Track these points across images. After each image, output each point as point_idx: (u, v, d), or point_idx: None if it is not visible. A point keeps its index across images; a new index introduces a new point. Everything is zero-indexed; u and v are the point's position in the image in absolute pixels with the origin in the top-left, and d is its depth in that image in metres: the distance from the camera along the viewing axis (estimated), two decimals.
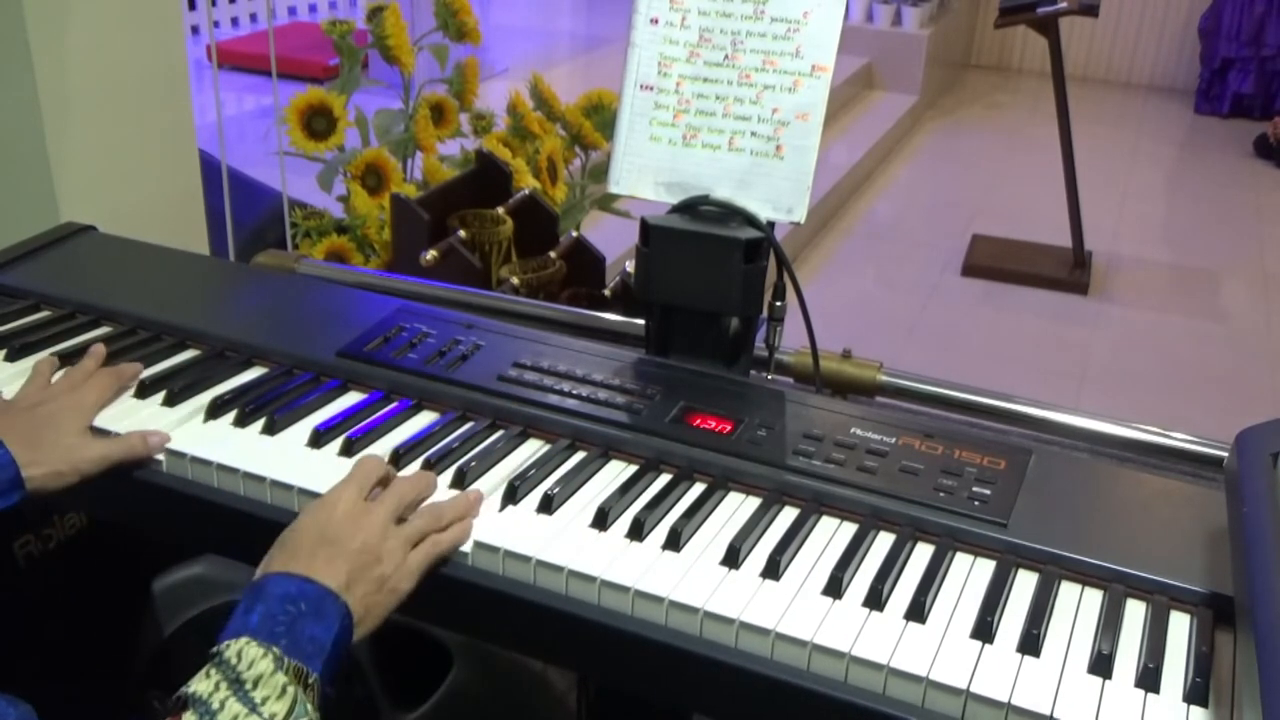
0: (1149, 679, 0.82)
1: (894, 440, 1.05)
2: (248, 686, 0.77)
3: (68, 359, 1.16)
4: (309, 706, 0.78)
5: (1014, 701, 0.79)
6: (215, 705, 0.75)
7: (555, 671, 1.50)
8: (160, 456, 1.04)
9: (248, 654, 0.78)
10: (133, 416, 1.09)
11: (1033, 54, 6.78)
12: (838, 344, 1.32)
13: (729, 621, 0.86)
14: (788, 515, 0.98)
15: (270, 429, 1.07)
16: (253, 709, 0.76)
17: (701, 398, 1.11)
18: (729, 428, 1.06)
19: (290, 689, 0.78)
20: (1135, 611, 0.89)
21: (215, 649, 0.80)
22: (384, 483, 0.96)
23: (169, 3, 2.02)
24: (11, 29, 1.77)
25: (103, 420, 1.07)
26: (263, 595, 0.83)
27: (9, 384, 1.13)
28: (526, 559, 0.92)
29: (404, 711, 1.44)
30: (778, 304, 1.22)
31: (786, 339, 1.25)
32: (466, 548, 0.94)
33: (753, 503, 1.00)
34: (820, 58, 1.15)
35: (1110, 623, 0.87)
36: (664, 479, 1.03)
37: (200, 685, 0.77)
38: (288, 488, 1.00)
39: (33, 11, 1.77)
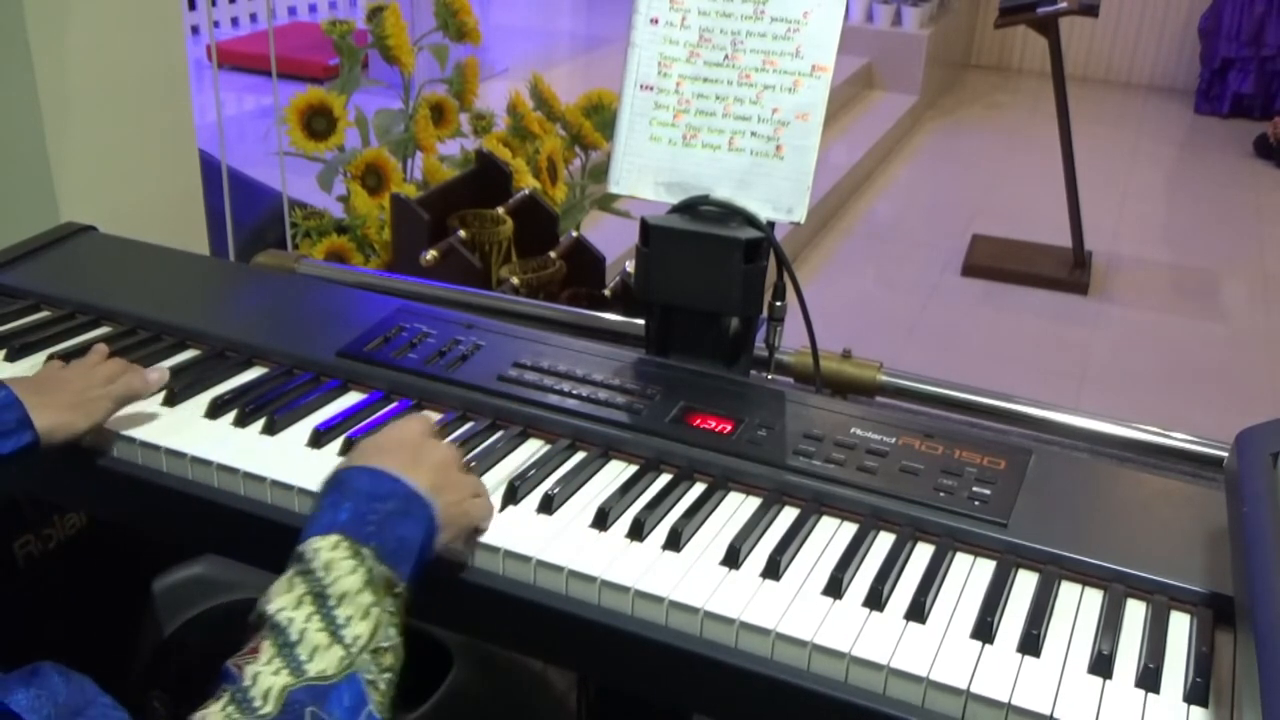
0: (1149, 679, 0.82)
1: (894, 440, 1.05)
2: (332, 603, 0.74)
3: (69, 359, 1.16)
4: (393, 630, 0.76)
5: (1014, 702, 0.79)
6: (295, 635, 0.72)
7: (555, 671, 1.49)
8: (160, 457, 1.04)
9: (337, 564, 0.76)
10: (132, 416, 1.08)
11: (1033, 54, 6.78)
12: (838, 344, 1.32)
13: (729, 621, 0.86)
14: (788, 515, 0.98)
15: (270, 429, 1.07)
16: (335, 633, 0.73)
17: (701, 398, 1.11)
18: (729, 428, 1.06)
19: (374, 610, 0.75)
20: (1135, 611, 0.89)
21: (301, 549, 0.77)
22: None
23: (169, 3, 2.02)
24: (11, 29, 1.77)
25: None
26: (349, 490, 0.81)
27: None
28: (526, 559, 0.92)
29: (404, 711, 1.44)
30: (778, 304, 1.22)
31: (786, 339, 1.25)
32: (467, 547, 0.94)
33: (753, 503, 1.00)
34: (820, 58, 1.15)
35: (1110, 623, 0.87)
36: (664, 479, 1.03)
37: (283, 600, 0.74)
38: (288, 488, 1.00)
39: (33, 11, 1.77)
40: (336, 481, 0.83)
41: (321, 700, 0.70)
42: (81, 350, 1.18)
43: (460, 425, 1.09)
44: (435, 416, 0.98)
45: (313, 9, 5.78)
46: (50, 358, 1.16)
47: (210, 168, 2.27)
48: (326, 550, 0.76)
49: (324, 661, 0.71)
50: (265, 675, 0.70)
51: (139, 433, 1.06)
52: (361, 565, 0.76)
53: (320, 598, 0.74)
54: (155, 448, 1.05)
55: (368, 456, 0.86)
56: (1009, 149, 5.59)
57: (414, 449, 0.89)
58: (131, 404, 1.08)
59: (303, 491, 0.99)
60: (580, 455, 1.06)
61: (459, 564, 0.94)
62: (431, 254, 1.99)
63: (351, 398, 1.14)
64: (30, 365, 1.17)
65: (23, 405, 0.97)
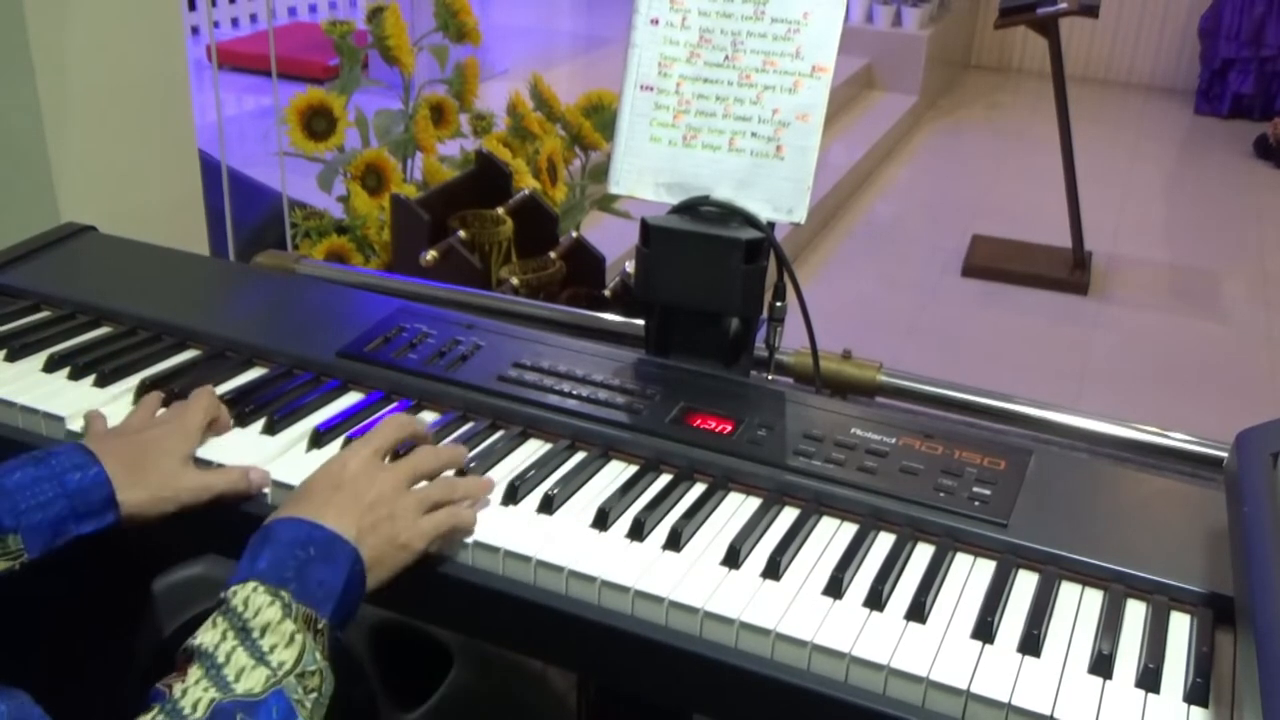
0: (1149, 679, 0.82)
1: (894, 440, 1.05)
2: (255, 635, 0.75)
3: (69, 359, 1.16)
4: (318, 655, 0.77)
5: (1014, 702, 0.79)
6: (221, 658, 0.74)
7: (555, 671, 1.49)
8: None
9: (255, 600, 0.77)
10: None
11: (1033, 54, 6.78)
12: (838, 344, 1.32)
13: (729, 621, 0.86)
14: (788, 515, 0.98)
15: (270, 429, 1.07)
16: (260, 658, 0.74)
17: (701, 398, 1.11)
18: (729, 428, 1.06)
19: (299, 636, 0.76)
20: (1135, 611, 0.89)
21: (222, 595, 0.78)
22: (414, 441, 0.97)
23: (169, 3, 2.02)
24: (11, 29, 1.77)
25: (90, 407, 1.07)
26: (270, 540, 0.82)
27: (9, 384, 1.13)
28: (527, 559, 0.92)
29: (404, 711, 1.44)
30: (778, 304, 1.22)
31: (786, 339, 1.25)
32: (467, 546, 0.94)
33: (753, 503, 1.00)
34: (820, 58, 1.15)
35: (1110, 623, 0.87)
36: (664, 479, 1.03)
37: (206, 636, 0.76)
38: (288, 488, 0.99)
39: (33, 12, 1.77)
40: (262, 533, 0.84)
41: (250, 713, 0.72)
42: (82, 350, 1.18)
43: (460, 425, 1.09)
44: (390, 436, 0.95)
45: (313, 9, 5.77)
46: (143, 386, 1.11)
47: (210, 168, 2.26)
48: (244, 591, 0.78)
49: (250, 681, 0.74)
50: (194, 690, 0.72)
51: None
52: (278, 600, 0.78)
53: (243, 631, 0.76)
54: None
55: (298, 503, 0.87)
56: (1009, 149, 5.59)
57: (349, 488, 0.88)
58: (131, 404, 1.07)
59: None
60: (580, 455, 1.06)
61: (459, 564, 0.94)
62: (431, 254, 1.99)
63: (351, 398, 1.14)
64: (29, 366, 1.17)
65: (111, 485, 0.93)
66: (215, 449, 1.04)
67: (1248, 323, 3.95)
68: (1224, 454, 1.08)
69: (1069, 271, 4.12)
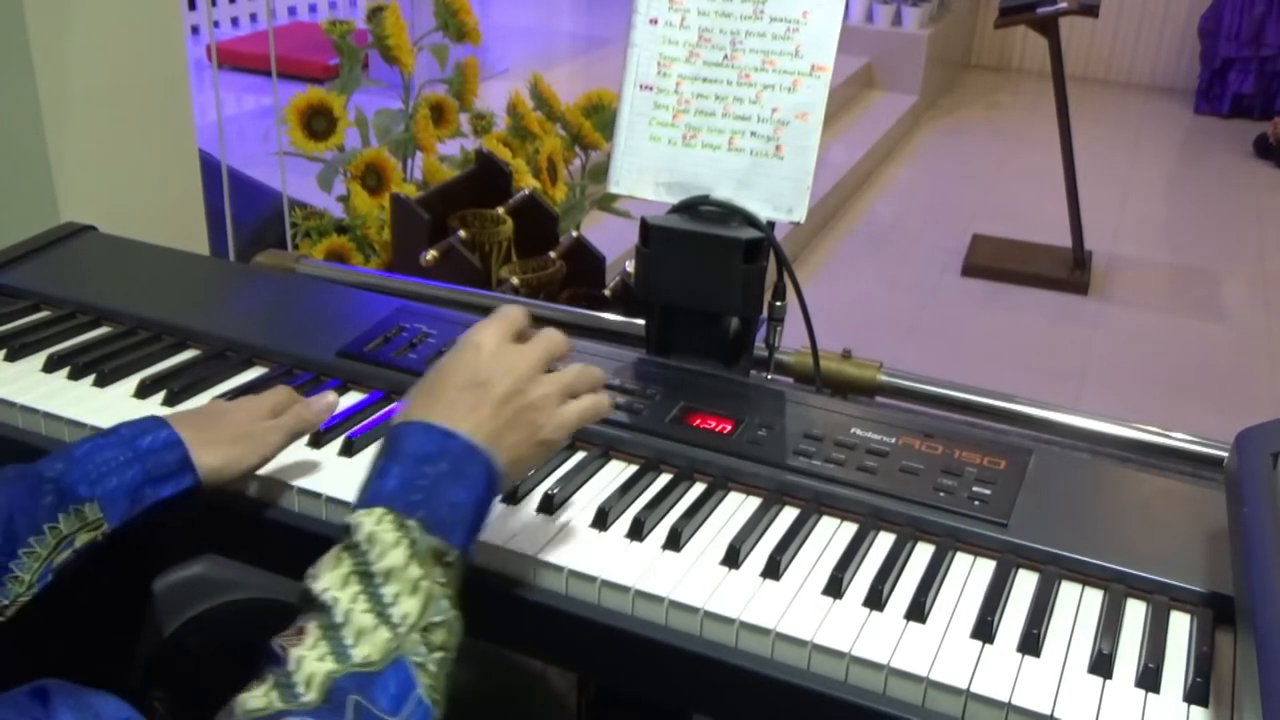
0: (1149, 679, 0.82)
1: (894, 440, 1.05)
2: (378, 580, 0.71)
3: (69, 359, 1.16)
4: (445, 602, 0.73)
5: (1014, 701, 0.79)
6: (340, 616, 0.70)
7: (555, 671, 1.49)
8: None
9: (381, 536, 0.73)
10: (133, 415, 1.08)
11: (1033, 54, 6.78)
12: (838, 344, 1.32)
13: (729, 621, 0.86)
14: (788, 515, 0.98)
15: None
16: (382, 614, 0.70)
17: (701, 398, 1.11)
18: (729, 428, 1.06)
19: (423, 585, 0.72)
20: (1135, 611, 0.89)
21: (348, 521, 0.74)
22: (522, 336, 0.89)
23: (169, 3, 2.02)
24: (11, 29, 1.77)
25: (90, 415, 1.07)
26: (399, 454, 0.77)
27: (9, 384, 1.13)
28: (526, 558, 0.92)
29: None
30: (778, 304, 1.22)
31: (786, 339, 1.25)
32: None
33: (753, 503, 1.00)
34: (820, 58, 1.15)
35: (1110, 623, 0.87)
36: (664, 479, 1.03)
37: (330, 577, 0.72)
38: (289, 487, 0.99)
39: (33, 11, 1.77)
40: (389, 440, 0.79)
41: (366, 689, 0.68)
42: (82, 350, 1.18)
43: None
44: (518, 318, 0.87)
45: (313, 9, 5.77)
46: (143, 386, 1.12)
47: (210, 168, 2.27)
48: (370, 524, 0.74)
49: (369, 646, 0.69)
50: (309, 660, 0.68)
51: None
52: (405, 538, 0.73)
53: (366, 576, 0.71)
54: None
55: (429, 402, 0.81)
56: (1009, 149, 5.59)
57: (483, 377, 0.82)
58: (131, 404, 1.07)
59: (303, 491, 0.99)
60: (580, 455, 1.06)
61: None
62: (431, 254, 1.99)
63: (351, 398, 1.14)
64: (29, 365, 1.17)
65: (184, 445, 0.91)
66: None
67: (1248, 323, 3.95)
68: (1224, 454, 1.08)
69: (1069, 271, 4.12)
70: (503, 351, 0.85)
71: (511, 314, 0.88)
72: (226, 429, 0.96)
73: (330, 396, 1.03)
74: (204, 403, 1.10)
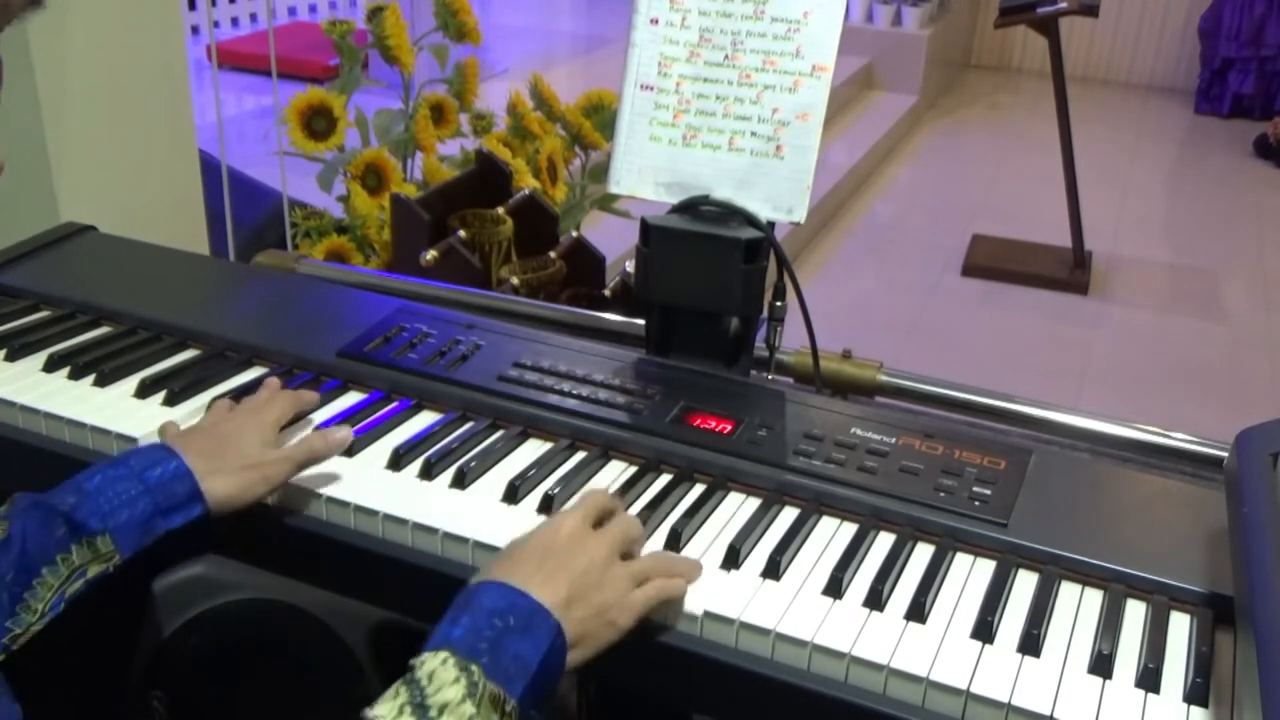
0: (1149, 679, 0.82)
1: (894, 440, 1.05)
2: (432, 714, 0.73)
3: (69, 359, 1.16)
4: None
5: (1014, 702, 0.79)
6: None
7: None
8: None
9: (440, 675, 0.74)
10: (132, 415, 1.09)
11: (1033, 54, 6.78)
12: (838, 344, 1.32)
13: (729, 622, 0.86)
14: (788, 515, 0.98)
15: None
16: None
17: (701, 398, 1.11)
18: (729, 428, 1.06)
19: None
20: (1135, 611, 0.89)
21: (412, 661, 0.76)
22: (601, 521, 0.92)
23: (169, 3, 2.02)
24: (11, 29, 1.76)
25: (90, 414, 1.07)
26: (471, 606, 0.80)
27: (9, 384, 1.13)
28: None
29: None
30: (778, 304, 1.22)
31: (786, 339, 1.25)
32: (466, 547, 0.94)
33: (753, 503, 1.00)
34: (820, 58, 1.15)
35: (1110, 623, 0.87)
36: (664, 479, 1.03)
37: (384, 708, 0.73)
38: (289, 488, 0.99)
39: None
40: (466, 595, 0.81)
41: None
42: (82, 350, 1.18)
43: (460, 425, 1.09)
44: (600, 504, 0.91)
45: (313, 9, 5.77)
46: (143, 386, 1.12)
47: (210, 168, 2.26)
48: (433, 663, 0.75)
49: None
50: None
51: (141, 434, 1.06)
52: (465, 678, 0.74)
53: (420, 708, 0.73)
54: None
55: (509, 567, 0.83)
56: (1009, 149, 5.59)
57: (559, 553, 0.85)
58: (131, 403, 1.07)
59: (303, 491, 0.99)
60: (580, 455, 1.06)
61: (459, 564, 0.94)
62: (431, 254, 1.99)
63: (351, 398, 1.14)
64: (29, 365, 1.17)
65: (193, 476, 0.92)
66: None
67: (1248, 323, 3.95)
68: (1224, 454, 1.08)
69: (1069, 271, 4.12)
70: (580, 534, 0.87)
71: (592, 500, 0.91)
72: (235, 458, 0.96)
73: (345, 431, 1.03)
74: (206, 402, 1.10)
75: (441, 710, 0.73)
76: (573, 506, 0.91)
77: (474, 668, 0.75)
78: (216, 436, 0.99)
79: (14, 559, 0.85)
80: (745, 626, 0.86)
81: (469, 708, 0.73)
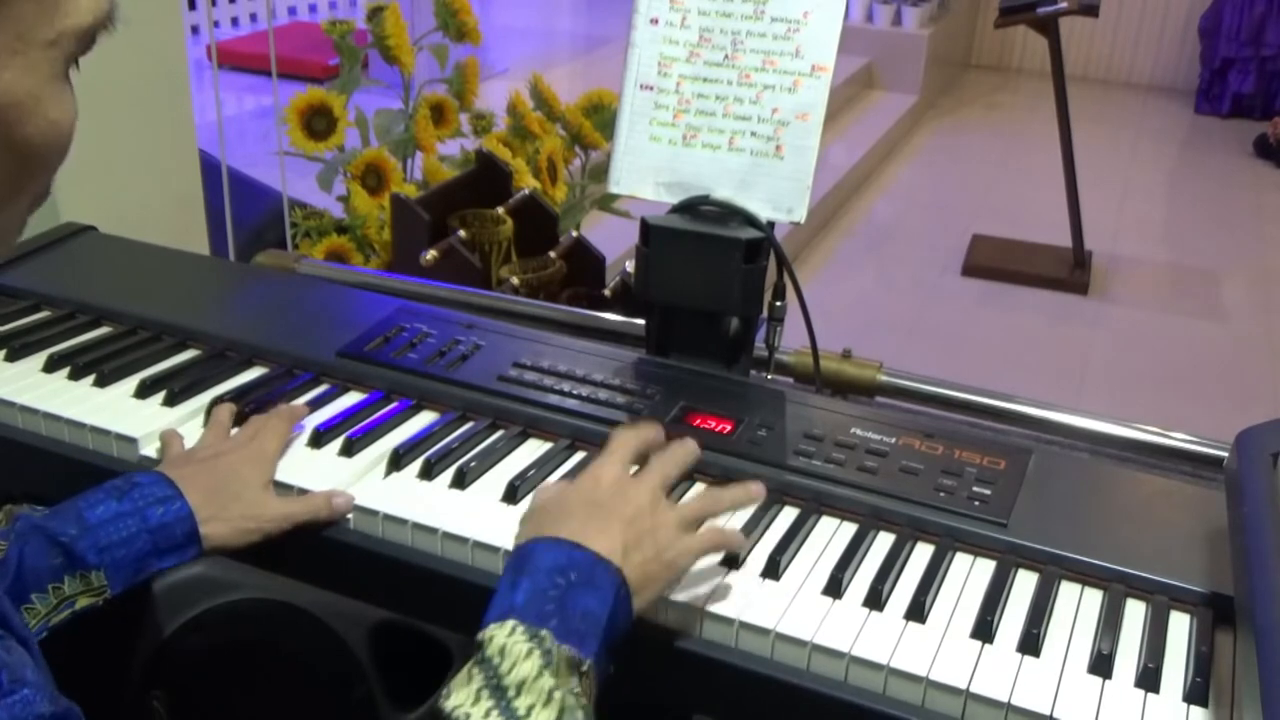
0: (1149, 679, 0.82)
1: (894, 440, 1.05)
2: (510, 694, 0.70)
3: (69, 359, 1.16)
4: (580, 714, 0.72)
5: (1014, 701, 0.79)
6: None
7: None
8: (152, 454, 1.04)
9: (512, 649, 0.72)
10: (133, 415, 1.09)
11: (1033, 54, 6.78)
12: (838, 344, 1.32)
13: (729, 621, 0.86)
14: (788, 515, 0.98)
15: None
16: None
17: (701, 398, 1.11)
18: (729, 428, 1.06)
19: (558, 694, 0.71)
20: (1135, 611, 0.89)
21: (479, 637, 0.74)
22: (642, 456, 0.92)
23: (169, 3, 2.02)
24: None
25: (90, 415, 1.07)
26: (528, 567, 0.77)
27: (9, 384, 1.13)
28: None
29: (404, 711, 1.44)
30: (778, 304, 1.22)
31: (786, 339, 1.25)
32: (466, 547, 0.94)
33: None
34: (820, 58, 1.15)
35: (1110, 623, 0.87)
36: None
37: (460, 694, 0.71)
38: (288, 487, 1.00)
39: None
40: (518, 557, 0.80)
41: None
42: (82, 350, 1.18)
43: (460, 425, 1.09)
44: (631, 446, 0.91)
45: (313, 9, 5.77)
46: (144, 386, 1.11)
47: (210, 168, 2.27)
48: (502, 636, 0.73)
49: None
50: None
51: (141, 434, 1.06)
52: (538, 648, 0.72)
53: (498, 690, 0.71)
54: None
55: (551, 521, 0.82)
56: (1009, 149, 5.59)
57: (604, 503, 0.84)
58: (131, 403, 1.06)
59: (302, 491, 0.99)
60: (580, 455, 1.06)
61: (458, 564, 0.94)
62: (431, 254, 1.99)
63: (351, 398, 1.14)
64: (27, 366, 1.17)
65: (194, 520, 0.92)
66: None
67: (1248, 323, 3.95)
68: (1224, 454, 1.08)
69: (1069, 271, 4.12)
70: (621, 481, 0.87)
71: (625, 442, 0.91)
72: (236, 506, 0.95)
73: (347, 496, 0.99)
74: (206, 402, 1.10)
75: (520, 689, 0.71)
76: (607, 452, 0.90)
77: (544, 633, 0.73)
78: (218, 474, 0.97)
79: (8, 583, 0.85)
80: (745, 626, 0.86)
81: (547, 680, 0.71)
